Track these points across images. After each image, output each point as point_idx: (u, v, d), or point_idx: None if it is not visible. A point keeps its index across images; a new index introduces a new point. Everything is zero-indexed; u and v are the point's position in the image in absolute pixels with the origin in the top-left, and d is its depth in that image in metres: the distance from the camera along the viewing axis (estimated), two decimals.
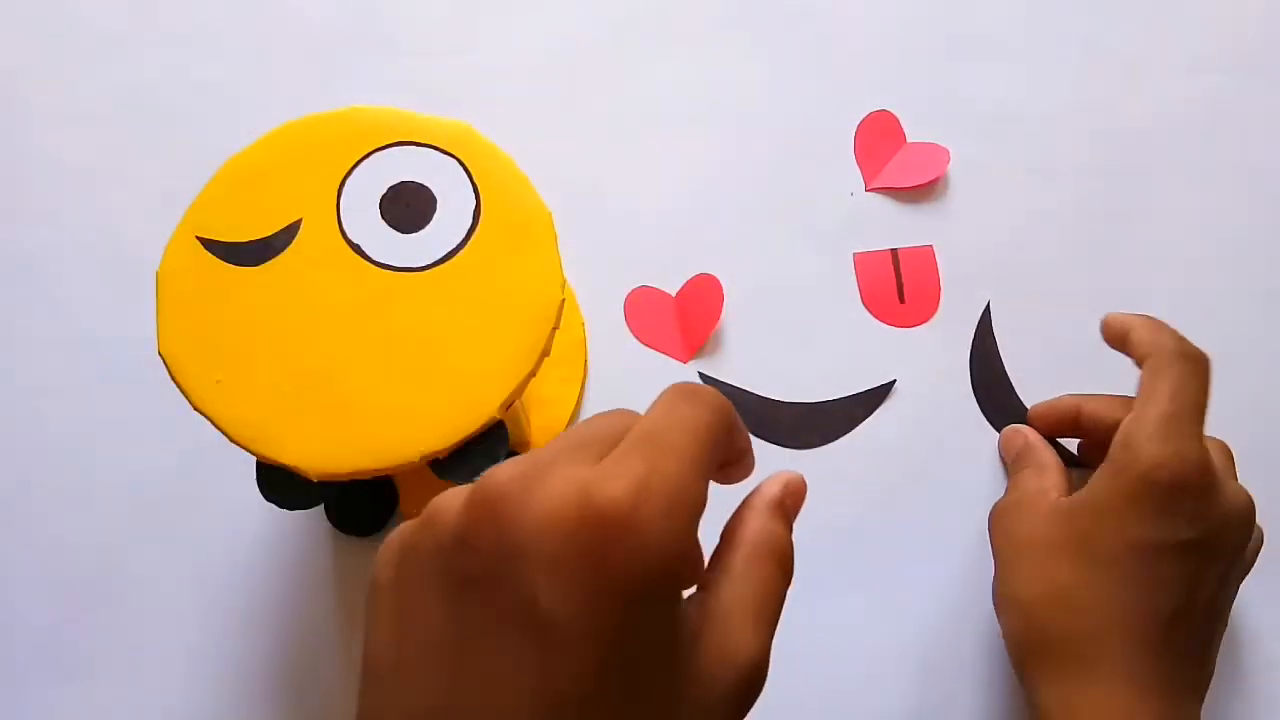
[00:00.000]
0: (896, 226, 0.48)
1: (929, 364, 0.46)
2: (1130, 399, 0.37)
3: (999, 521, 0.39)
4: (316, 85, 0.50)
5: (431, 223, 0.34)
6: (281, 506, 0.33)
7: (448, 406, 0.32)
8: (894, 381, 0.46)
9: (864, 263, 0.47)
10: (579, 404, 0.45)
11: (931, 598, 0.43)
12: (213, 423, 0.32)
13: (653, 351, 0.46)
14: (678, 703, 0.21)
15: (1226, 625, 0.38)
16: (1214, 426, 0.45)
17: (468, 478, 0.33)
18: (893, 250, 0.47)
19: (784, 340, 0.46)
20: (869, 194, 0.49)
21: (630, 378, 0.46)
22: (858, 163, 0.49)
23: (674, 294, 0.47)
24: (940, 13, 0.51)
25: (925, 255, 0.47)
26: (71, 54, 0.51)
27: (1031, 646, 0.36)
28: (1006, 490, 0.41)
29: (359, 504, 0.43)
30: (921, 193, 0.48)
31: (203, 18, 0.52)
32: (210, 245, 0.34)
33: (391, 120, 0.36)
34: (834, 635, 0.42)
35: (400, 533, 0.23)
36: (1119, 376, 0.46)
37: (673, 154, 0.49)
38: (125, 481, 0.44)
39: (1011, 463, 0.42)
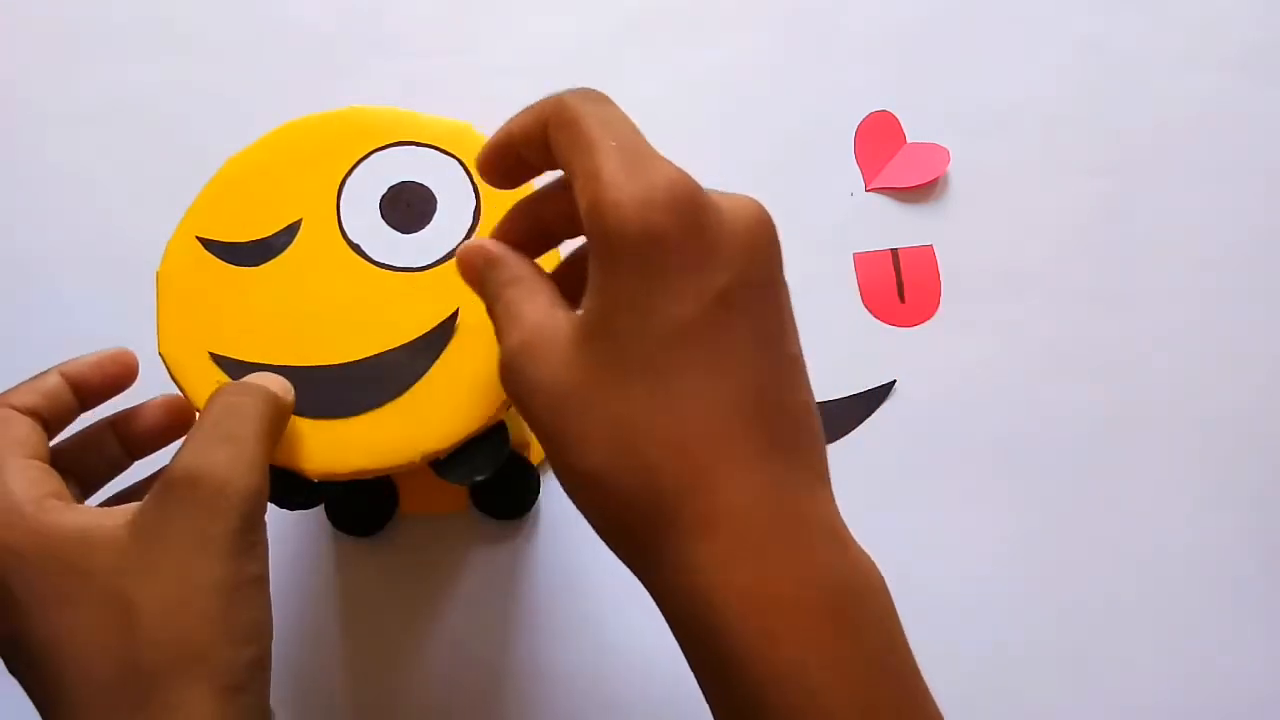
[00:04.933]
0: (896, 226, 0.48)
1: (929, 364, 0.46)
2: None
3: (514, 380, 0.27)
4: (316, 85, 0.50)
5: (432, 223, 0.34)
6: (281, 506, 0.33)
7: (449, 407, 0.32)
8: (894, 382, 0.46)
9: (864, 263, 0.47)
10: None
11: (932, 598, 0.43)
12: None
13: None
14: None
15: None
16: (1217, 424, 0.45)
17: (468, 478, 0.33)
18: (893, 250, 0.47)
19: None
20: (869, 194, 0.49)
21: None
22: (858, 163, 0.49)
23: None
24: (940, 13, 0.51)
25: (925, 255, 0.47)
26: (71, 55, 0.51)
27: (644, 525, 0.25)
28: (497, 330, 0.28)
29: (359, 504, 0.43)
30: (921, 193, 0.48)
31: (203, 18, 0.52)
32: (210, 245, 0.34)
33: (391, 120, 0.36)
34: None
35: None
36: (1121, 378, 0.46)
37: (673, 153, 0.49)
38: (126, 481, 0.44)
39: (483, 288, 0.29)
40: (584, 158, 0.26)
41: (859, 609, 0.25)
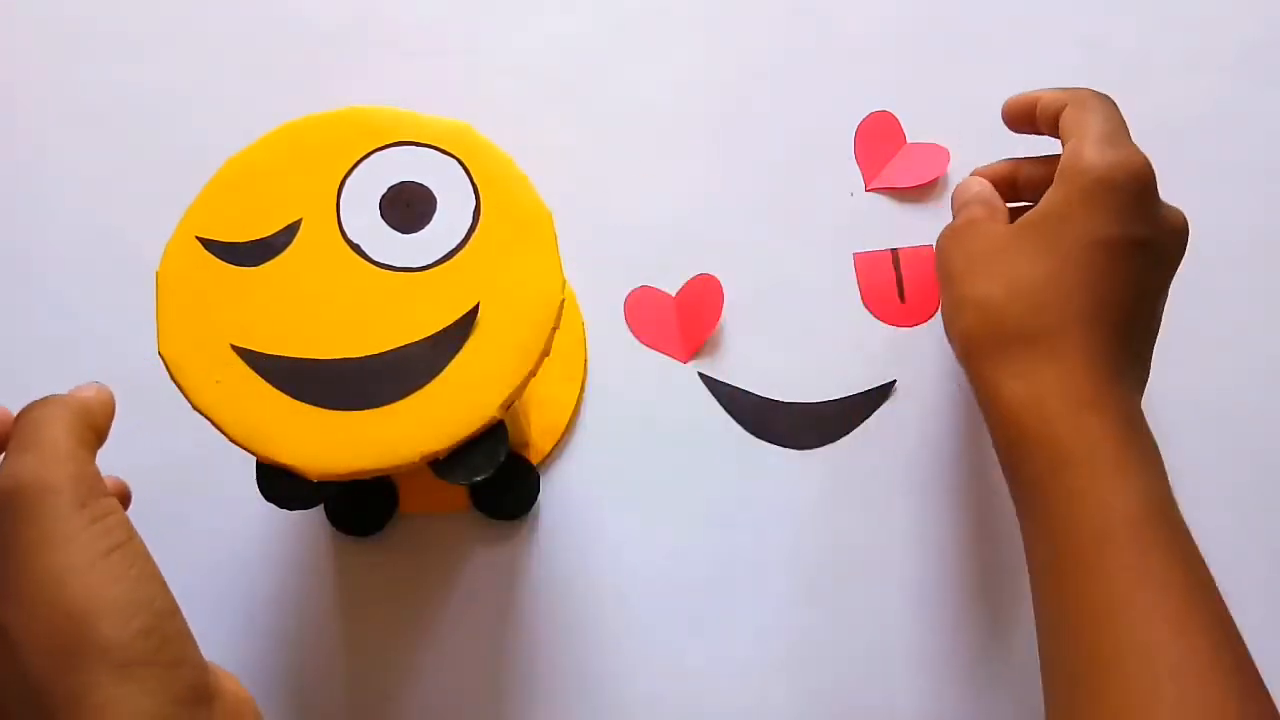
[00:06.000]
0: (896, 226, 0.48)
1: (929, 364, 0.46)
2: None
3: (951, 241, 0.40)
4: (316, 85, 0.50)
5: (431, 223, 0.34)
6: (281, 506, 0.33)
7: (448, 407, 0.32)
8: (894, 381, 0.46)
9: (864, 263, 0.47)
10: (579, 404, 0.45)
11: (932, 598, 0.43)
12: (213, 423, 0.32)
13: (653, 351, 0.46)
14: None
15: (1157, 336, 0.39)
16: (1214, 420, 0.45)
17: (467, 478, 0.33)
18: (893, 250, 0.47)
19: (784, 340, 0.46)
20: (869, 194, 0.49)
21: (630, 378, 0.46)
22: (858, 163, 0.49)
23: (674, 294, 0.47)
24: (940, 13, 0.51)
25: (925, 255, 0.47)
26: (71, 54, 0.51)
27: (994, 340, 0.36)
28: (955, 217, 0.41)
29: (359, 504, 0.43)
30: (921, 193, 0.48)
31: (203, 17, 0.52)
32: (210, 245, 0.34)
33: (391, 120, 0.36)
34: (833, 636, 0.42)
35: None
36: None
37: (673, 154, 0.49)
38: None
39: (962, 204, 0.42)
40: (1082, 128, 0.37)
41: (1144, 440, 0.35)
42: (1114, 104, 0.38)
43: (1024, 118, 0.41)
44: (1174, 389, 0.45)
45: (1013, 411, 0.35)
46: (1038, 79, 0.50)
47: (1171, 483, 0.46)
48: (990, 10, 0.51)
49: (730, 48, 0.51)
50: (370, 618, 0.43)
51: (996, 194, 0.41)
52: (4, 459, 0.29)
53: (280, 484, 0.33)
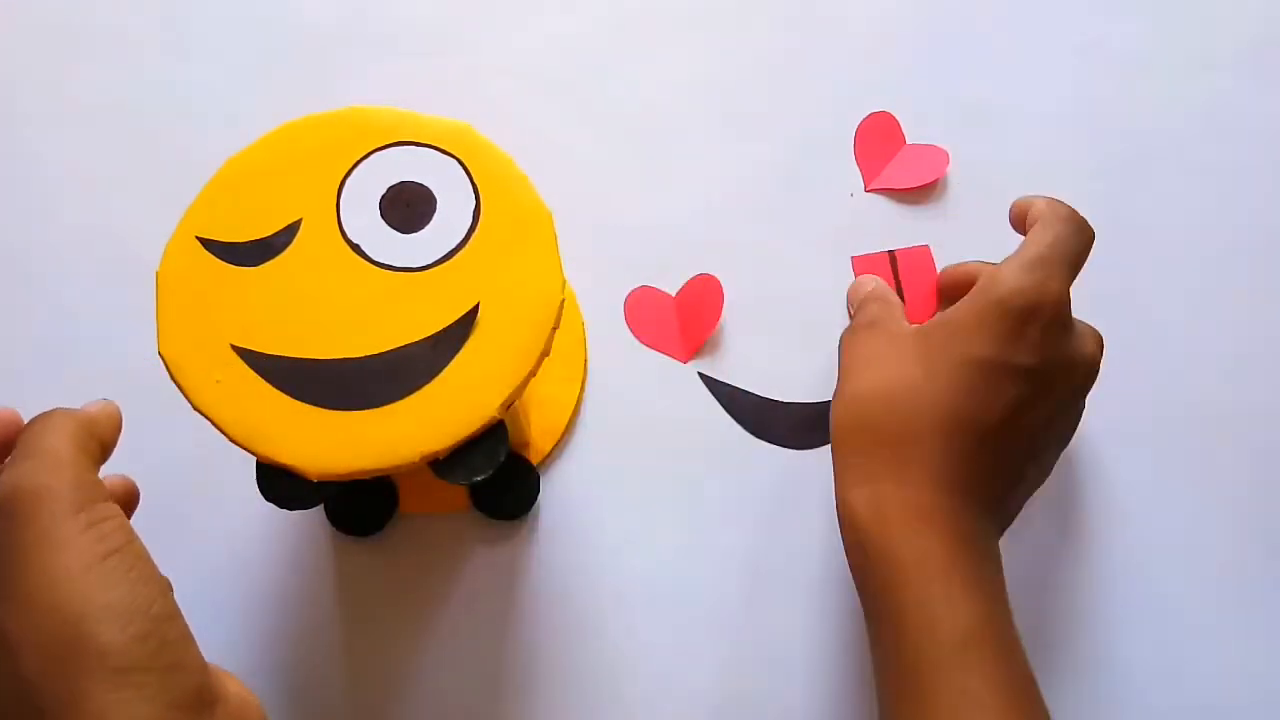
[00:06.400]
0: (896, 228, 0.48)
1: None
2: None
3: (850, 339, 0.40)
4: (316, 85, 0.50)
5: (431, 222, 0.34)
6: (281, 506, 0.33)
7: (448, 407, 0.32)
8: None
9: (863, 264, 0.47)
10: (579, 404, 0.45)
11: None
12: (213, 423, 0.32)
13: (653, 351, 0.46)
14: None
15: (1044, 476, 0.40)
16: (1214, 422, 0.45)
17: (467, 478, 0.33)
18: (890, 252, 0.47)
19: (784, 340, 0.46)
20: (868, 195, 0.49)
21: (630, 378, 0.46)
22: (857, 164, 0.49)
23: (674, 294, 0.47)
24: (940, 13, 0.51)
25: (923, 256, 0.47)
26: (72, 54, 0.51)
27: (853, 436, 0.37)
28: (855, 317, 0.42)
29: (359, 504, 0.43)
30: (921, 194, 0.48)
31: (203, 17, 0.52)
32: (210, 245, 0.34)
33: (391, 120, 0.36)
34: (834, 636, 0.42)
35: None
36: (1120, 378, 0.46)
37: (673, 154, 0.49)
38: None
39: (860, 302, 0.43)
40: (1024, 246, 0.37)
41: (977, 559, 0.35)
42: (1075, 228, 0.38)
43: (1019, 221, 0.41)
44: (1173, 389, 0.45)
45: (855, 517, 0.36)
46: (1037, 80, 0.50)
47: (1171, 483, 0.46)
48: (990, 11, 0.51)
49: (730, 48, 0.51)
50: (370, 618, 0.43)
51: (890, 290, 0.43)
52: (6, 466, 0.29)
53: (280, 484, 0.33)
